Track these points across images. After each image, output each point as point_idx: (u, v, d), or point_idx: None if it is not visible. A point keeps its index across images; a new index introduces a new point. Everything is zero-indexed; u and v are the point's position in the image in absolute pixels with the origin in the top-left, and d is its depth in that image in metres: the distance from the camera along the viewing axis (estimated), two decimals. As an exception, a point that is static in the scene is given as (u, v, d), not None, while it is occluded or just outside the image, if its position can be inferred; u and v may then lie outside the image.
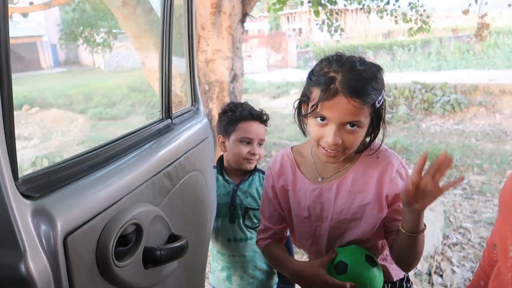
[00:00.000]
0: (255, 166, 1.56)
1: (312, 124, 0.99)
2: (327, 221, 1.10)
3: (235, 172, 1.55)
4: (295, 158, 1.16)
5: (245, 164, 1.51)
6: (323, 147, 0.98)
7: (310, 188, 1.10)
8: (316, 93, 0.95)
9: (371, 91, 0.92)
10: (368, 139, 1.05)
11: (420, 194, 0.89)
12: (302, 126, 1.08)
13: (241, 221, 1.52)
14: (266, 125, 1.53)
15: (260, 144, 1.51)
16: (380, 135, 1.04)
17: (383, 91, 0.97)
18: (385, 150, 1.08)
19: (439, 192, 0.89)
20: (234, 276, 1.57)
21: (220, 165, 1.59)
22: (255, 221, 1.52)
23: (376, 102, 0.95)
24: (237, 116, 1.49)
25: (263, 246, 1.23)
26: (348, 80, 0.92)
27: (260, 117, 1.51)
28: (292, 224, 1.19)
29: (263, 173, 1.54)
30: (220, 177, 1.56)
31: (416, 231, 0.97)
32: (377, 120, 1.00)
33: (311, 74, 0.99)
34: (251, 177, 1.54)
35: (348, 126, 0.94)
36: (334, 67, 0.94)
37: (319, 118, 0.96)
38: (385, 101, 1.01)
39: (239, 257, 1.55)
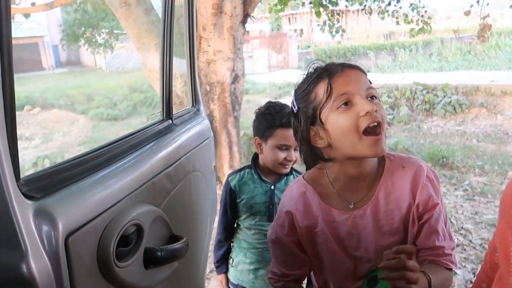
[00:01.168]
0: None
1: (337, 117, 0.87)
2: (368, 252, 0.96)
3: (271, 172, 1.57)
4: (314, 188, 0.99)
5: (280, 169, 1.52)
6: (366, 134, 0.86)
7: (341, 219, 0.96)
8: (322, 85, 0.89)
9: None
10: None
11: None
12: (317, 152, 0.95)
13: None
14: None
15: (296, 149, 1.51)
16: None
17: None
18: (408, 157, 0.98)
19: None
20: (262, 269, 1.59)
21: (255, 164, 1.59)
22: None
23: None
24: (276, 122, 1.48)
25: (274, 286, 1.09)
26: (339, 62, 0.93)
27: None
28: (321, 267, 1.03)
29: (298, 172, 1.57)
30: (256, 177, 1.57)
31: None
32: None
33: (299, 92, 0.94)
34: (287, 177, 1.57)
35: (369, 99, 0.88)
36: (318, 69, 0.93)
37: (342, 105, 0.86)
38: None
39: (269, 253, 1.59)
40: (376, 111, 0.85)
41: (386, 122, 0.90)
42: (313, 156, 0.96)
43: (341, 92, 0.87)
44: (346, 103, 0.87)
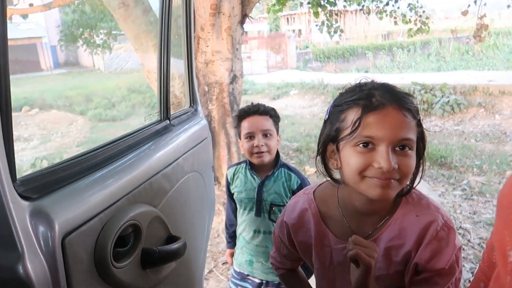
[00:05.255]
0: (278, 160, 1.60)
1: (352, 154, 0.79)
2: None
3: (260, 168, 1.61)
4: (319, 208, 0.95)
5: (255, 159, 1.54)
6: (372, 177, 0.78)
7: (338, 247, 0.92)
8: (353, 114, 0.79)
9: (413, 105, 0.80)
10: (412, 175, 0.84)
11: None
12: (329, 170, 0.90)
13: (266, 215, 1.60)
14: (271, 117, 1.56)
15: (266, 135, 1.53)
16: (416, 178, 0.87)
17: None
18: (427, 205, 0.87)
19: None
20: (256, 262, 1.67)
21: (250, 161, 1.64)
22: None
23: (420, 119, 0.82)
24: (240, 116, 1.57)
25: (278, 274, 1.15)
26: (390, 92, 0.79)
27: (257, 110, 1.55)
28: (317, 272, 1.02)
29: (289, 168, 1.61)
30: (248, 172, 1.62)
31: None
32: (423, 145, 0.84)
33: (336, 103, 0.85)
34: (276, 173, 1.59)
35: (398, 148, 0.78)
36: (367, 86, 0.82)
37: (361, 144, 0.78)
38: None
39: (262, 248, 1.64)
40: (394, 169, 0.76)
41: (410, 173, 0.80)
42: (325, 171, 0.91)
43: (367, 134, 0.77)
44: (366, 144, 0.78)
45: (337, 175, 0.91)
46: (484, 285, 1.00)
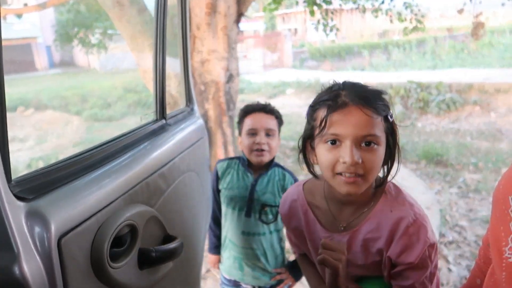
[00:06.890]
0: (273, 160, 1.57)
1: (322, 151, 0.88)
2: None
3: (255, 167, 1.57)
4: (306, 198, 1.04)
5: (255, 157, 1.51)
6: (340, 174, 0.85)
7: (323, 236, 0.99)
8: (322, 113, 0.86)
9: (379, 102, 0.86)
10: (386, 167, 0.92)
11: None
12: (311, 167, 0.97)
13: (257, 216, 1.55)
14: (276, 117, 1.55)
15: (269, 135, 1.51)
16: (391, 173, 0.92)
17: (390, 110, 0.89)
18: (402, 201, 0.93)
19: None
20: (246, 267, 1.61)
21: (245, 158, 1.60)
22: (271, 216, 1.55)
23: (388, 116, 0.87)
24: (244, 112, 1.55)
25: (296, 256, 1.21)
26: (355, 92, 0.85)
27: (264, 108, 1.53)
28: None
29: (283, 168, 1.58)
30: (242, 169, 1.57)
31: None
32: (393, 139, 0.89)
33: (312, 103, 0.92)
34: (269, 172, 1.55)
35: (364, 144, 0.84)
36: (335, 87, 0.89)
37: (329, 142, 0.86)
38: (395, 125, 0.89)
39: (251, 250, 1.58)
40: (358, 163, 0.83)
41: (375, 168, 0.86)
42: (305, 162, 0.97)
43: (332, 132, 0.85)
44: (333, 142, 0.85)
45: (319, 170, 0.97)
46: (480, 281, 1.00)
